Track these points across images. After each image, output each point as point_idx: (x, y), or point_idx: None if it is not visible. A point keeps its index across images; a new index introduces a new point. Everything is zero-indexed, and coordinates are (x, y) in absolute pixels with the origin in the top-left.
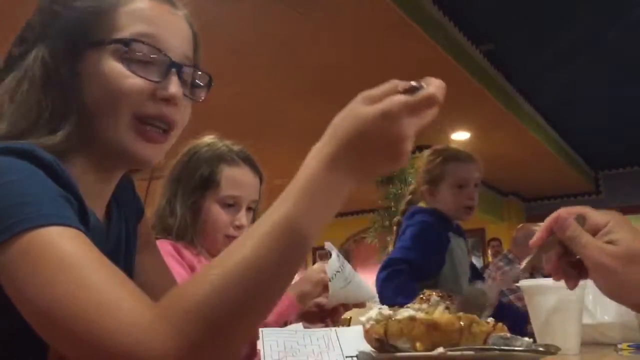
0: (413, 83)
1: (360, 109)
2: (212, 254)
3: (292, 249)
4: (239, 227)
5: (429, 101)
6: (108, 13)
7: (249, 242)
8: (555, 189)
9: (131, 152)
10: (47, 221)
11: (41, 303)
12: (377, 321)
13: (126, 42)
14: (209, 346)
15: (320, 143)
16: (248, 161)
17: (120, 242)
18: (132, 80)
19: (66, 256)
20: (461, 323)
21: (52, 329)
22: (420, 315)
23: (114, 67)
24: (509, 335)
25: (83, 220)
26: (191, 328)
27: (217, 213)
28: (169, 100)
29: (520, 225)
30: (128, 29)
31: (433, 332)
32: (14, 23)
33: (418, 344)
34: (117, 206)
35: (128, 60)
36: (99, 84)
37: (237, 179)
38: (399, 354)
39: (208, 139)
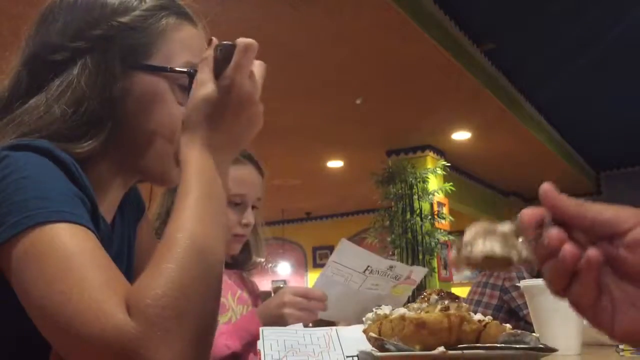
0: (224, 43)
1: (199, 92)
2: None
3: (216, 233)
4: (246, 226)
5: (251, 47)
6: (161, 36)
7: (184, 235)
8: (556, 189)
9: (167, 174)
10: (57, 217)
11: (41, 300)
12: (374, 321)
13: (190, 74)
14: (191, 340)
15: (188, 135)
16: (251, 160)
17: (123, 245)
18: (181, 110)
19: (69, 254)
20: (451, 321)
21: (49, 326)
22: (409, 314)
23: (170, 95)
24: (519, 332)
25: (94, 221)
26: (169, 326)
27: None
28: None
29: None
30: (180, 57)
31: (422, 331)
32: (14, 23)
33: (418, 346)
34: (120, 208)
35: (180, 87)
36: (148, 106)
37: (244, 178)
38: (399, 354)
39: None
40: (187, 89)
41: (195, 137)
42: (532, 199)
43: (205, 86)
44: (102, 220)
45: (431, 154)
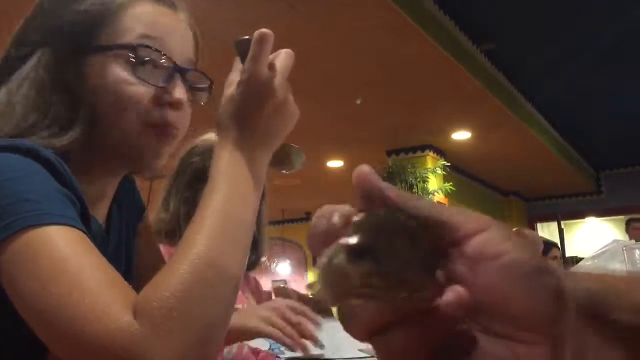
0: (241, 38)
1: (225, 93)
2: None
3: (237, 235)
4: None
5: (265, 38)
6: (111, 16)
7: (203, 235)
8: (556, 188)
9: (141, 157)
10: (47, 220)
11: (37, 304)
12: None
13: (132, 47)
14: (194, 344)
15: (220, 137)
16: None
17: (120, 245)
18: (135, 87)
19: (63, 257)
20: None
21: (47, 330)
22: None
23: (119, 73)
24: None
25: (84, 222)
26: (174, 327)
27: None
28: (174, 104)
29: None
30: (132, 33)
31: None
32: (13, 23)
33: None
34: (118, 208)
35: (133, 65)
36: (105, 90)
37: None
38: None
39: (206, 135)
40: (146, 66)
41: (226, 138)
42: (533, 199)
43: (230, 86)
44: (93, 220)
45: (431, 153)
